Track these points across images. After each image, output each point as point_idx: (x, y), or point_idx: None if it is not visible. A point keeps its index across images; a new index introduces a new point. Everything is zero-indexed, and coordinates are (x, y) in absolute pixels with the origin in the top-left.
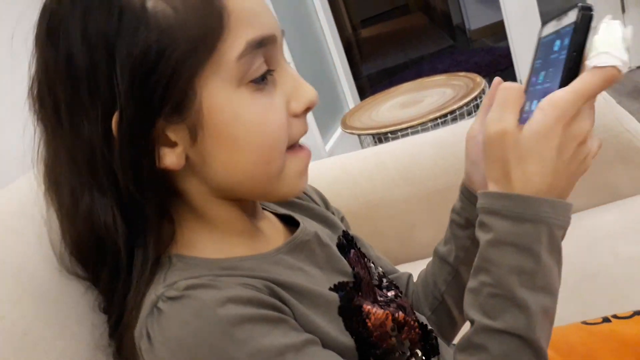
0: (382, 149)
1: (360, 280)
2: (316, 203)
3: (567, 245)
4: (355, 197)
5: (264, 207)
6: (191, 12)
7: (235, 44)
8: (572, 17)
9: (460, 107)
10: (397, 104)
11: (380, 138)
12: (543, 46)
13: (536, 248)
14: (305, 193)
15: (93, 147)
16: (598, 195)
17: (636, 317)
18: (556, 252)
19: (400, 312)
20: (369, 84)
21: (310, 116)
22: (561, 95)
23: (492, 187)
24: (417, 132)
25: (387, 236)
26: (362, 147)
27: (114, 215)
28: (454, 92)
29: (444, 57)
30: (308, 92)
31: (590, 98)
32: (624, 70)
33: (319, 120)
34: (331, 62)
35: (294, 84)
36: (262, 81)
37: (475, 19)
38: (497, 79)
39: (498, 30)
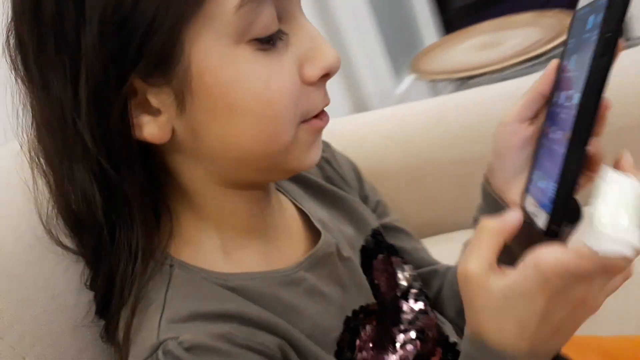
0: (447, 101)
1: (382, 301)
2: (347, 183)
3: None
4: (410, 156)
5: (284, 191)
6: None
7: None
8: None
9: (547, 52)
10: (475, 45)
11: (460, 83)
12: (577, 21)
13: None
14: (336, 170)
15: (63, 109)
16: None
17: None
18: None
19: (419, 342)
20: (458, 18)
21: (379, 55)
22: (547, 262)
23: (469, 328)
24: (494, 80)
25: (438, 202)
26: (437, 91)
27: (91, 187)
28: (541, 33)
29: None
30: (327, 54)
31: (585, 280)
32: (633, 256)
33: (391, 57)
34: None
35: (311, 45)
36: (268, 42)
37: None
38: (553, 62)
39: None
